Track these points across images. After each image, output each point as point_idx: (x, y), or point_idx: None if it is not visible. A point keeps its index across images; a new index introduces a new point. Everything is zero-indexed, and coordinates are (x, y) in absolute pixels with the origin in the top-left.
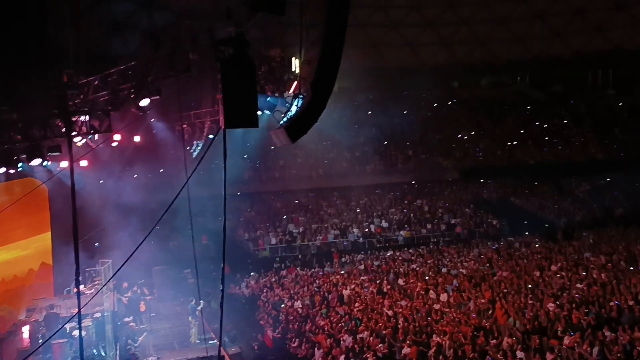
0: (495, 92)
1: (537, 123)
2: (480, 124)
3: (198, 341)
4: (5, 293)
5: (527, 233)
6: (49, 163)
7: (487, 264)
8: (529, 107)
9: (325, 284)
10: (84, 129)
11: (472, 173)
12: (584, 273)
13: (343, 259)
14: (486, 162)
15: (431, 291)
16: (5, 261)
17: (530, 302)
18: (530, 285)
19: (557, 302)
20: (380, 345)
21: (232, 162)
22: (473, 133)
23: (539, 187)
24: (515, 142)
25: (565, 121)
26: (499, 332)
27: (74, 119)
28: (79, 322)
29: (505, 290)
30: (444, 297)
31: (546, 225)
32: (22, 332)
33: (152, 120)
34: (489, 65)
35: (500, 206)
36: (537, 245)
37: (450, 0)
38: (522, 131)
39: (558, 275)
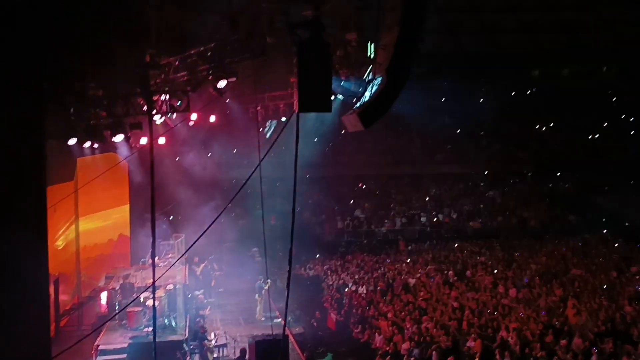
0: (579, 82)
1: (623, 116)
2: (561, 115)
3: (263, 319)
4: (86, 260)
5: (605, 231)
6: (130, 140)
7: (561, 261)
8: (615, 98)
9: (390, 271)
10: (164, 107)
11: (549, 166)
12: None
13: (409, 247)
14: (565, 155)
15: (500, 285)
16: (87, 230)
17: (605, 303)
18: (605, 286)
19: (635, 306)
20: (444, 336)
21: (302, 145)
22: (552, 124)
23: (621, 184)
24: (597, 136)
25: None
26: (570, 332)
27: (154, 98)
28: (153, 293)
29: (578, 289)
30: (512, 292)
31: (627, 224)
32: (101, 298)
33: (227, 101)
34: (574, 54)
35: (578, 202)
36: (616, 245)
37: None
38: (605, 124)
39: (637, 277)
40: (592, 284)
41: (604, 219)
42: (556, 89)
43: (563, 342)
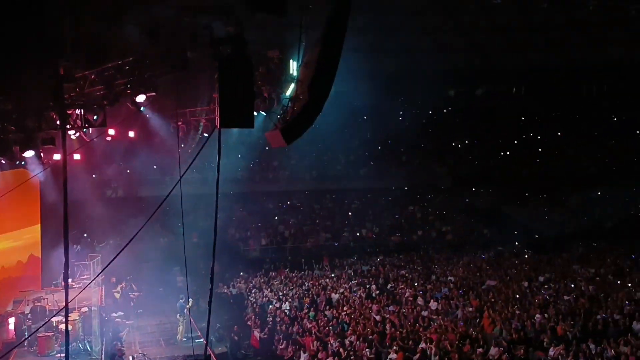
0: (491, 101)
1: (532, 134)
2: (475, 132)
3: (185, 339)
4: None
5: (517, 243)
6: (42, 156)
7: (477, 273)
8: (523, 117)
9: (315, 287)
10: (79, 122)
11: (465, 181)
12: (572, 285)
13: (333, 263)
14: (479, 170)
15: (420, 298)
16: None
17: (517, 312)
18: (517, 296)
19: (544, 313)
20: (367, 350)
21: (226, 161)
22: (467, 141)
23: (530, 198)
24: (509, 152)
25: (559, 133)
26: (486, 341)
27: (68, 112)
28: (66, 316)
29: (492, 300)
30: (432, 304)
31: (536, 236)
32: (8, 324)
33: (147, 116)
34: (486, 74)
35: (492, 215)
36: (526, 256)
37: (449, 7)
38: (516, 141)
39: (546, 287)
40: (505, 294)
41: (515, 232)
42: (470, 107)
43: (479, 350)
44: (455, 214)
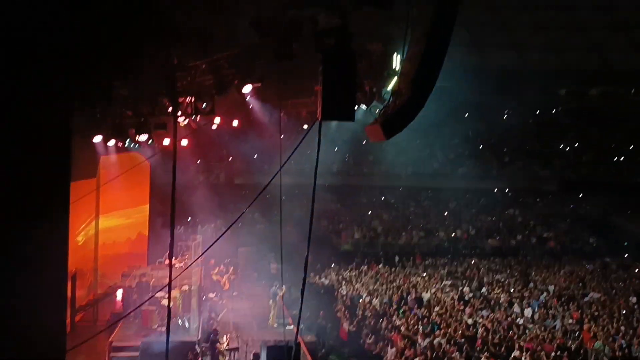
0: (606, 103)
1: None
2: (586, 135)
3: (276, 325)
4: (104, 257)
5: (626, 255)
6: (154, 141)
7: (579, 283)
8: None
9: (406, 284)
10: (189, 109)
11: (572, 186)
12: None
13: (426, 261)
14: (588, 175)
15: (515, 304)
16: (107, 228)
17: (622, 328)
18: (624, 311)
19: None
20: (456, 352)
21: (323, 153)
22: (577, 144)
23: None
24: (622, 158)
25: None
26: (585, 356)
27: (180, 100)
28: (169, 293)
29: (596, 313)
30: (528, 311)
31: None
32: (116, 296)
33: (251, 106)
34: (602, 74)
35: (600, 224)
36: (636, 270)
37: (564, 2)
38: (631, 146)
39: None
40: (610, 308)
41: (625, 243)
42: (582, 109)
43: None
44: (558, 220)
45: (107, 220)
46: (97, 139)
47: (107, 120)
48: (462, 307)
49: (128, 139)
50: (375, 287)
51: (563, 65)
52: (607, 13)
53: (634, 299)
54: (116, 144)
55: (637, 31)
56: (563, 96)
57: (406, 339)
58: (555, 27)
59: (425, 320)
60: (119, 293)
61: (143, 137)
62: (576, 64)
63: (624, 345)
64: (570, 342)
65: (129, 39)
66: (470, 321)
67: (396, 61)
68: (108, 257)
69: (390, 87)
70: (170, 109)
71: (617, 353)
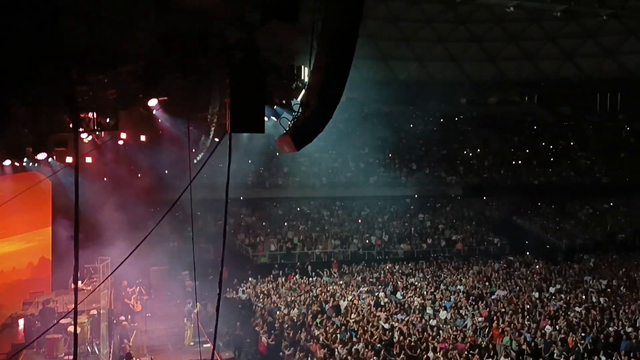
0: (503, 110)
1: (543, 143)
2: (487, 141)
3: (192, 344)
4: (2, 286)
5: (528, 253)
6: (54, 159)
7: (486, 282)
8: (535, 127)
9: (323, 294)
10: (92, 125)
11: (476, 190)
12: (583, 297)
13: (342, 270)
14: (490, 179)
15: (428, 306)
16: (5, 253)
17: (527, 322)
18: (528, 306)
19: (555, 325)
20: (374, 358)
21: (236, 166)
22: (479, 150)
23: (542, 208)
24: (520, 162)
25: (571, 143)
26: (495, 351)
27: (81, 116)
28: (75, 318)
29: (503, 310)
30: (441, 313)
31: (547, 246)
32: (18, 325)
33: (159, 121)
34: (498, 83)
35: (502, 225)
36: (537, 267)
37: (461, 16)
38: (527, 151)
39: (556, 298)
40: (516, 304)
41: (526, 242)
42: (482, 116)
43: None
44: (465, 223)
45: (5, 245)
46: None
47: (2, 140)
48: (378, 313)
49: (25, 158)
50: (292, 298)
51: (463, 75)
52: (499, 26)
53: (536, 294)
54: (12, 164)
55: (527, 42)
56: (464, 105)
57: (325, 348)
58: (453, 39)
59: (343, 328)
60: (21, 322)
61: (42, 156)
62: (475, 74)
63: (529, 339)
64: (480, 339)
65: (24, 54)
66: (386, 326)
67: (304, 73)
68: (7, 285)
69: (299, 99)
70: (71, 125)
71: (522, 347)
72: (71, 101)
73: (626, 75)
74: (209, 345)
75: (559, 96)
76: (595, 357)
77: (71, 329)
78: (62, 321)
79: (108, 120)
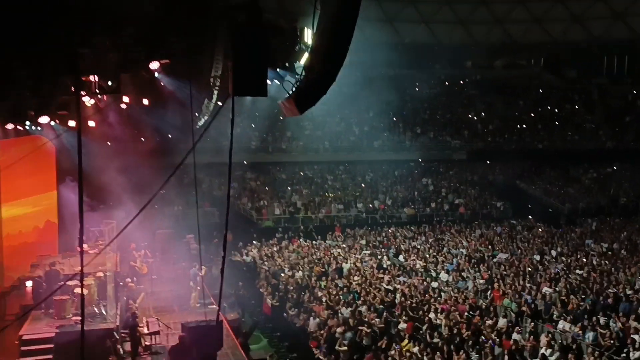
0: (509, 74)
1: (549, 107)
2: (492, 105)
3: (198, 305)
4: (9, 248)
5: (530, 217)
6: (57, 123)
7: (489, 246)
8: (541, 91)
9: (326, 257)
10: (93, 88)
11: (480, 154)
12: (584, 259)
13: (345, 233)
14: (495, 144)
15: (431, 269)
16: (11, 217)
17: (527, 285)
18: (529, 269)
19: (555, 287)
20: (376, 319)
21: (239, 131)
22: (483, 114)
23: (545, 172)
24: (525, 126)
25: (577, 107)
26: (495, 313)
27: (83, 79)
28: (81, 280)
29: (504, 272)
30: (443, 275)
31: (550, 210)
32: (26, 287)
33: (161, 84)
34: (504, 47)
35: (506, 189)
36: (539, 230)
37: None
38: (532, 115)
39: (557, 261)
40: (517, 267)
41: (529, 205)
42: (488, 80)
43: (488, 322)
44: (468, 187)
45: (11, 209)
46: None
47: (4, 103)
48: (381, 275)
49: (28, 122)
50: (296, 261)
51: (470, 38)
52: None
53: (537, 257)
54: (15, 127)
55: (535, 4)
56: (470, 68)
57: (329, 309)
58: (461, 0)
59: (346, 289)
60: (28, 284)
61: (44, 119)
62: (481, 37)
63: (529, 301)
64: (481, 301)
65: (26, 16)
66: (389, 288)
67: (308, 36)
68: (14, 248)
69: (302, 62)
70: (73, 89)
71: (522, 308)
72: (73, 64)
73: (635, 37)
74: (214, 306)
75: (566, 60)
76: (594, 319)
77: (78, 290)
78: (69, 283)
79: (110, 83)
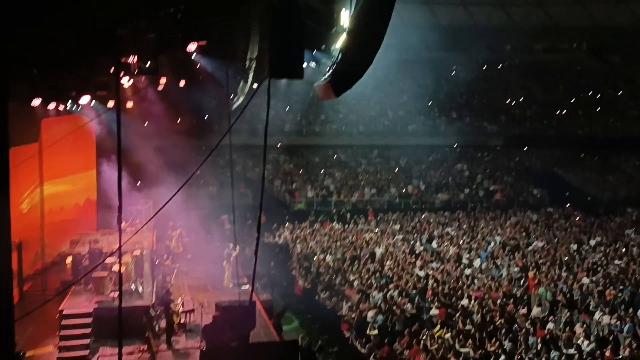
0: (549, 58)
1: (590, 93)
2: (530, 90)
3: (231, 285)
4: (51, 224)
5: (568, 205)
6: (97, 102)
7: (524, 233)
8: (583, 76)
9: (359, 241)
10: (132, 69)
11: (517, 140)
12: (624, 250)
13: (378, 218)
14: (533, 130)
15: (464, 255)
16: (53, 194)
17: (564, 274)
18: (566, 258)
19: (592, 277)
20: (408, 304)
21: (274, 113)
22: (522, 99)
23: (585, 160)
24: (564, 111)
25: (619, 93)
26: (530, 302)
27: (122, 60)
28: (119, 258)
29: (540, 261)
30: (476, 262)
31: (589, 198)
32: (66, 264)
33: (197, 66)
34: (545, 30)
35: (543, 176)
36: (577, 219)
37: None
38: (572, 100)
39: (596, 251)
40: (553, 256)
41: (567, 193)
42: (527, 64)
43: (523, 310)
44: (504, 174)
45: (52, 186)
46: (36, 102)
47: (46, 83)
48: (413, 260)
49: (70, 101)
50: (328, 244)
51: (509, 21)
52: None
53: (574, 246)
54: (57, 106)
55: None
56: (509, 52)
57: (360, 293)
58: None
59: (378, 274)
60: (69, 260)
61: (84, 99)
62: (521, 20)
63: (565, 290)
64: (515, 289)
65: None
66: (421, 273)
67: (344, 18)
68: (55, 225)
69: (338, 45)
70: (112, 69)
71: (558, 297)
72: (111, 44)
73: None
74: (247, 286)
75: (610, 44)
76: (631, 310)
77: (116, 267)
78: (108, 260)
79: (148, 64)
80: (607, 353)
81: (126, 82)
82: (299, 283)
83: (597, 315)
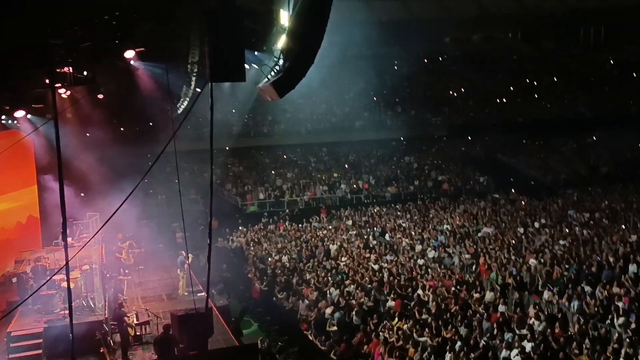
0: (487, 48)
1: (527, 80)
2: (471, 80)
3: (186, 293)
4: None
5: (512, 190)
6: (33, 116)
7: (473, 221)
8: (519, 63)
9: (313, 239)
10: (68, 80)
11: (461, 130)
12: (567, 230)
13: (331, 215)
14: (475, 119)
15: (417, 246)
16: None
17: (512, 257)
18: (513, 242)
19: (539, 258)
20: (365, 298)
21: (220, 116)
22: (463, 90)
23: (526, 145)
24: (504, 99)
25: (555, 78)
26: (482, 287)
27: (57, 70)
28: (67, 274)
29: (489, 246)
30: (429, 252)
31: (532, 182)
32: (12, 283)
33: (137, 72)
34: (481, 20)
35: (488, 163)
36: (522, 203)
37: None
38: (511, 88)
39: (541, 232)
40: (501, 240)
41: (511, 179)
42: (466, 54)
43: (476, 295)
44: (451, 164)
45: None
46: None
47: None
48: (367, 255)
49: (4, 116)
50: (283, 244)
51: (445, 13)
52: None
53: (521, 230)
54: None
55: None
56: (448, 44)
57: (317, 291)
58: None
59: (334, 271)
60: (14, 280)
61: (20, 113)
62: (457, 12)
63: (515, 273)
64: (467, 275)
65: None
66: (376, 267)
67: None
68: None
69: (279, 45)
70: (47, 81)
71: (508, 280)
72: (46, 55)
73: (610, 6)
74: (202, 294)
75: (543, 31)
76: (579, 287)
77: (65, 284)
78: (55, 277)
79: (85, 73)
80: (557, 330)
81: (63, 93)
82: (255, 286)
83: (546, 295)
